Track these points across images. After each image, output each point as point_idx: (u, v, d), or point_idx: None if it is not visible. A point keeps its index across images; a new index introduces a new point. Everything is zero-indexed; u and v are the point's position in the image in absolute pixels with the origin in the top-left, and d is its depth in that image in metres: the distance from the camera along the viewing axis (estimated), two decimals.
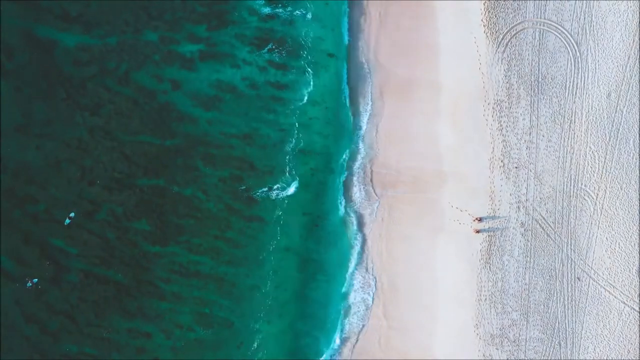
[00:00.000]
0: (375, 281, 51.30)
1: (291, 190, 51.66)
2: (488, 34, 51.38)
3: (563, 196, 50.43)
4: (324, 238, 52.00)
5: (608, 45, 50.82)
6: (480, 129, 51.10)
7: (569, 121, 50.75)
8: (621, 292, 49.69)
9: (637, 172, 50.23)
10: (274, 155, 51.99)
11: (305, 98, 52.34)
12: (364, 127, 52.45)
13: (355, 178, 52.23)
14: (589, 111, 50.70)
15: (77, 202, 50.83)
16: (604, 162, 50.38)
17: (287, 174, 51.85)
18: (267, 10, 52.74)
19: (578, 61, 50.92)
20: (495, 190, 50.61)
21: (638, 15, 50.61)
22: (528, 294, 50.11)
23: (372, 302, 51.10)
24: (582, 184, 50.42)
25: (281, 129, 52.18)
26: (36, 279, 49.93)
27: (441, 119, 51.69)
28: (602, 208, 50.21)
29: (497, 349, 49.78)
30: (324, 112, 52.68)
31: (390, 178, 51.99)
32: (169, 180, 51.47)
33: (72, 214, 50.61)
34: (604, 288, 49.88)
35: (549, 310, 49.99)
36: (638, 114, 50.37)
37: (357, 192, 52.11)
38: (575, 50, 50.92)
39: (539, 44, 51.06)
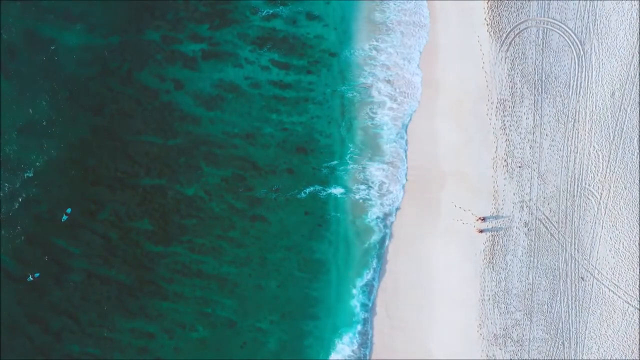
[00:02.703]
0: (379, 281, 51.15)
1: (295, 191, 51.65)
2: (491, 33, 51.22)
3: (567, 196, 50.24)
4: (327, 238, 51.83)
5: (612, 44, 50.63)
6: (483, 129, 50.96)
7: (573, 120, 50.57)
8: (625, 291, 49.50)
9: None
10: (277, 154, 52.02)
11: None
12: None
13: (357, 178, 52.06)
14: (592, 110, 50.51)
15: (79, 202, 50.82)
16: (608, 161, 50.18)
17: (290, 173, 51.88)
18: (269, 9, 52.68)
19: (582, 60, 50.74)
20: (498, 189, 50.44)
21: None
22: (532, 293, 49.94)
23: (376, 302, 50.94)
24: (585, 183, 50.22)
25: (284, 129, 52.15)
26: (38, 274, 49.94)
27: (444, 118, 51.53)
28: (606, 207, 50.02)
29: (500, 349, 49.61)
30: (327, 111, 52.54)
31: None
32: (171, 180, 51.41)
33: (69, 210, 50.56)
34: (607, 288, 49.68)
35: (553, 310, 49.81)
36: None
37: (359, 192, 51.93)
38: (579, 49, 50.73)
39: (543, 43, 50.89)
